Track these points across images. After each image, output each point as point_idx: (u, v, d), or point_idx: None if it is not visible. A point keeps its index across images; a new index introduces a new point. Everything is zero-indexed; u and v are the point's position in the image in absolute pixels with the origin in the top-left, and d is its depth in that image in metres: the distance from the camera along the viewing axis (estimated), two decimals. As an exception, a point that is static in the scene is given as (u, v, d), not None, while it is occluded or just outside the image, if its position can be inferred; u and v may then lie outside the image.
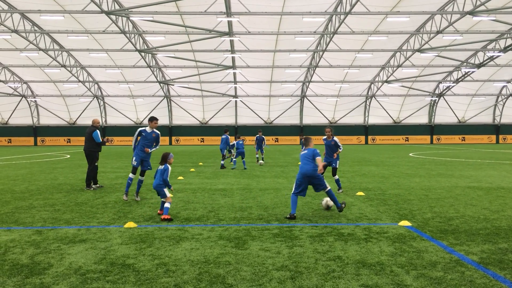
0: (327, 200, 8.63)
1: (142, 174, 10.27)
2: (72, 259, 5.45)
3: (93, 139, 12.37)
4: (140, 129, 10.22)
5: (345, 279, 4.70)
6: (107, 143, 12.75)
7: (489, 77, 53.97)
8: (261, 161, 21.74)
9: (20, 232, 6.98)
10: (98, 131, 12.49)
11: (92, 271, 5.00)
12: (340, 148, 11.30)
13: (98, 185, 12.68)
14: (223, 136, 20.02)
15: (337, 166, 11.29)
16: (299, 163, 8.42)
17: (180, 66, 48.50)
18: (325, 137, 11.53)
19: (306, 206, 9.17)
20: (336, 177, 11.38)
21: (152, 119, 10.24)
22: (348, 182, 13.71)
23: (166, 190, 8.17)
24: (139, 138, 10.21)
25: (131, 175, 10.23)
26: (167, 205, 8.04)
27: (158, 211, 8.37)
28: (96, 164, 12.53)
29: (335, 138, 11.34)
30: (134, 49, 40.43)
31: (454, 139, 60.40)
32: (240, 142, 19.18)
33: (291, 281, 4.67)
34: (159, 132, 10.43)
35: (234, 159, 19.36)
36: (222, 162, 19.45)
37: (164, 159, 8.40)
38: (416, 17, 35.63)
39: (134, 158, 10.17)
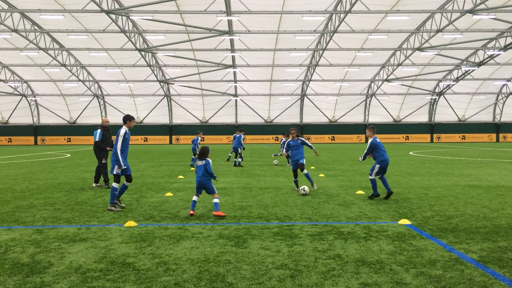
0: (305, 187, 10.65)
1: (130, 180, 9.03)
2: (73, 258, 5.47)
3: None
4: (124, 130, 8.80)
5: (344, 278, 4.72)
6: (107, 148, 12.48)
7: (489, 76, 53.95)
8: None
9: (20, 231, 7.00)
10: (99, 130, 12.51)
11: (93, 270, 5.01)
12: (310, 145, 12.01)
13: (98, 184, 12.67)
14: (237, 135, 20.56)
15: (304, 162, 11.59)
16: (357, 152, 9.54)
17: (180, 65, 48.52)
18: (288, 139, 11.95)
19: (306, 205, 9.19)
20: (305, 171, 11.48)
21: (131, 118, 9.02)
22: (348, 180, 13.72)
23: (213, 185, 8.25)
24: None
25: (116, 184, 8.77)
26: (216, 200, 8.02)
27: (191, 212, 8.06)
28: (103, 162, 12.46)
29: (300, 137, 11.98)
30: (134, 48, 40.43)
31: (454, 137, 60.40)
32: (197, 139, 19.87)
33: (290, 279, 4.68)
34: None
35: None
36: (239, 160, 19.93)
37: (205, 153, 8.32)
38: (416, 15, 35.61)
39: (120, 165, 8.65)
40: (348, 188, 11.87)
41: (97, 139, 12.41)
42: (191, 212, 8.09)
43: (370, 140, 10.06)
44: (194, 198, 8.26)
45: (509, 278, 4.68)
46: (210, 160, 8.35)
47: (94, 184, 12.58)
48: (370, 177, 9.96)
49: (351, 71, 51.27)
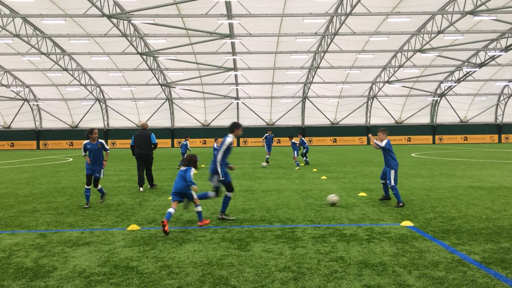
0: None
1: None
2: (76, 262, 5.49)
3: (151, 141, 12.83)
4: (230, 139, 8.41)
5: (347, 280, 4.73)
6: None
7: (491, 77, 53.88)
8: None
9: (24, 235, 7.02)
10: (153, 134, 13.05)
11: (96, 273, 5.03)
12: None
13: (143, 189, 12.73)
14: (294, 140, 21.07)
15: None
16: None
17: (181, 69, 48.60)
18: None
19: (308, 207, 9.19)
20: (99, 186, 10.16)
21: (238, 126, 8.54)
22: (351, 183, 13.72)
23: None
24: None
25: (212, 193, 8.47)
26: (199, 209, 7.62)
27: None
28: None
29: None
30: (135, 52, 40.53)
31: (456, 139, 60.30)
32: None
33: (293, 282, 4.69)
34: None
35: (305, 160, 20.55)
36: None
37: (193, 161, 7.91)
38: (417, 17, 35.62)
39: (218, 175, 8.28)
40: (350, 190, 11.87)
41: (156, 142, 12.98)
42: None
43: (385, 141, 9.50)
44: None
45: (512, 279, 4.68)
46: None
47: (149, 187, 12.98)
48: (391, 185, 9.33)
49: (352, 73, 51.28)
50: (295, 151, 20.48)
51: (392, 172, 9.36)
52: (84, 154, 10.01)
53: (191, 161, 7.88)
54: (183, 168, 7.88)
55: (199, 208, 7.57)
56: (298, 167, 19.52)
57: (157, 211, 9.01)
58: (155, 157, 30.54)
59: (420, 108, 59.61)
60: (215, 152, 20.35)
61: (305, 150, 21.33)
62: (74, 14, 32.49)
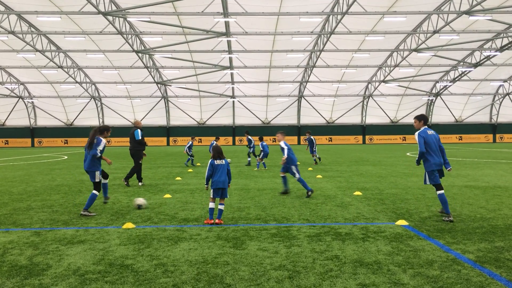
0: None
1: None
2: (71, 260, 5.47)
3: (135, 137, 13.07)
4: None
5: (342, 278, 4.73)
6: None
7: (486, 77, 54.16)
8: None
9: (18, 233, 6.99)
10: (139, 130, 13.23)
11: (91, 271, 5.01)
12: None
13: (142, 183, 13.29)
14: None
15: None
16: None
17: (177, 67, 48.52)
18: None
19: (304, 206, 9.20)
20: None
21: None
22: (346, 181, 13.75)
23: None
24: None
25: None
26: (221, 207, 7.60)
27: (211, 221, 7.60)
28: (140, 162, 13.25)
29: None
30: (131, 50, 40.41)
31: (451, 138, 60.57)
32: (265, 144, 19.29)
33: (289, 280, 4.70)
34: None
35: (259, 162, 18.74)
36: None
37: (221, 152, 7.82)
38: (413, 17, 35.74)
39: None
40: (345, 189, 11.89)
41: (140, 138, 13.10)
42: (211, 221, 7.57)
43: (281, 143, 10.72)
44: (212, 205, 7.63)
45: (506, 278, 4.71)
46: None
47: (140, 183, 13.23)
48: (298, 178, 10.55)
49: (348, 72, 51.39)
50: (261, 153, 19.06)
51: (293, 167, 10.54)
52: (100, 155, 8.45)
53: (221, 152, 7.85)
54: (220, 162, 7.72)
55: (223, 207, 7.63)
56: (257, 168, 18.75)
57: (152, 209, 8.98)
58: (149, 155, 30.21)
59: (415, 108, 59.84)
60: (187, 150, 20.40)
61: (262, 154, 19.84)
62: (70, 11, 32.35)
